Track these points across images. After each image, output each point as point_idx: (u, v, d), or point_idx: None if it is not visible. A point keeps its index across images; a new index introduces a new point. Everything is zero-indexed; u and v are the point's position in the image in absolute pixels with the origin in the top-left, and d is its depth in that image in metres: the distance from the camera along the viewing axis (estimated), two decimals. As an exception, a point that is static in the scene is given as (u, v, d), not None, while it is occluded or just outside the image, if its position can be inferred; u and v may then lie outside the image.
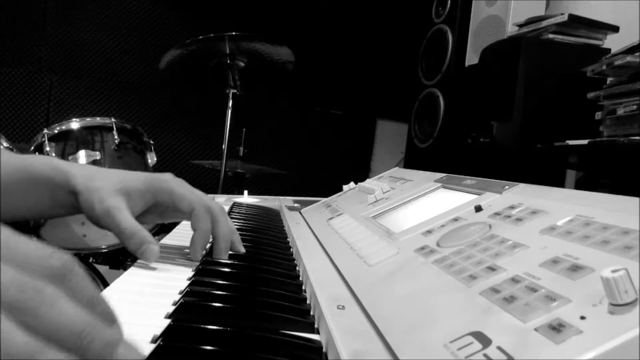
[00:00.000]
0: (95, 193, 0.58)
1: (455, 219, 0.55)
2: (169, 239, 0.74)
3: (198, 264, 0.59)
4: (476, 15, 2.42)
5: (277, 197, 1.32)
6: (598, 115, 1.58)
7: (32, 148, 1.73)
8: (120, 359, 0.28)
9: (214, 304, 0.44)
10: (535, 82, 1.82)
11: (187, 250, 0.63)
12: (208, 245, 0.64)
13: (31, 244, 0.30)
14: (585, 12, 1.92)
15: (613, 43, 1.86)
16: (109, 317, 0.31)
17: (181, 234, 0.78)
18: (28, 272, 0.28)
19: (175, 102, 3.26)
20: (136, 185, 0.61)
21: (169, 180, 0.63)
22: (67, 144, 1.70)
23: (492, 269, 0.38)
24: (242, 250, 0.65)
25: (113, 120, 1.76)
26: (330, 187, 1.24)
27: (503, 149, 1.85)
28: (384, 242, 0.58)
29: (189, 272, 0.56)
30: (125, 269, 0.60)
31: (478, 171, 0.84)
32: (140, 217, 0.62)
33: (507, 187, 0.58)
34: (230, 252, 0.63)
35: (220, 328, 0.38)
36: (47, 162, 0.61)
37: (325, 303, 0.43)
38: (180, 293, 0.48)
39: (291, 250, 0.74)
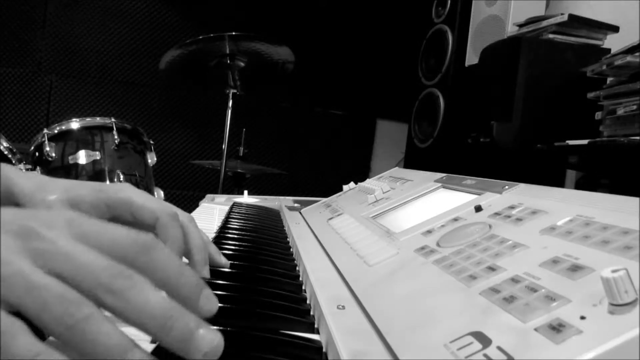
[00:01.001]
0: (42, 206, 0.51)
1: (455, 219, 0.55)
2: None
3: None
4: (476, 15, 2.42)
5: (277, 197, 1.32)
6: (598, 115, 1.58)
7: (32, 148, 1.73)
8: (200, 341, 0.30)
9: (214, 304, 0.44)
10: (535, 82, 1.82)
11: None
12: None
13: (117, 228, 0.33)
14: (585, 12, 1.92)
15: (613, 43, 1.86)
16: (199, 284, 0.33)
17: None
18: (118, 254, 0.31)
19: (175, 102, 3.26)
20: (87, 195, 0.53)
21: (126, 190, 0.55)
22: (67, 144, 1.70)
23: (492, 269, 0.39)
24: (223, 260, 0.58)
25: (113, 120, 1.76)
26: (330, 187, 1.24)
27: (503, 149, 1.85)
28: (384, 242, 0.58)
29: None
30: None
31: (478, 171, 0.84)
32: None
33: (507, 187, 0.58)
34: (227, 257, 0.58)
35: (220, 328, 0.38)
36: None
37: (325, 303, 0.43)
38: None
39: (291, 250, 0.74)
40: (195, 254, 0.54)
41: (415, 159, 2.78)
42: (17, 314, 0.27)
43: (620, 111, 1.49)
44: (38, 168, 1.68)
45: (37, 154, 1.71)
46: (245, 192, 1.32)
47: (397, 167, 1.08)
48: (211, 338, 0.31)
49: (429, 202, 0.71)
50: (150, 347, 0.35)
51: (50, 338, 0.29)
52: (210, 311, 0.33)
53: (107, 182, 1.68)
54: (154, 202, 0.54)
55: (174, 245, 0.52)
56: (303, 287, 0.55)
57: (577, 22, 1.86)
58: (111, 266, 0.30)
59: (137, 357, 0.28)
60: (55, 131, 1.71)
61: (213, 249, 0.58)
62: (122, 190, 0.54)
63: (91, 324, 0.27)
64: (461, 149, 2.14)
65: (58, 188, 0.52)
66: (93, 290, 0.29)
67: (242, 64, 2.17)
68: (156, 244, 0.33)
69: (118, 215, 0.53)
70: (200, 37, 2.00)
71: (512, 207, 0.50)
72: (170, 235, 0.52)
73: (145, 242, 0.33)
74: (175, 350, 0.30)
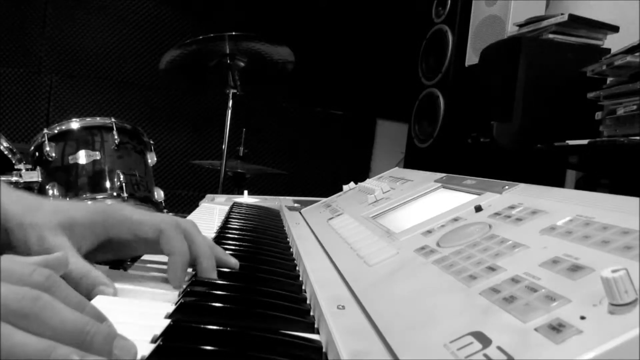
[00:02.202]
0: (31, 231, 0.48)
1: (455, 219, 0.55)
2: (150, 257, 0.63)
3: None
4: (476, 15, 2.42)
5: (277, 197, 1.32)
6: (598, 115, 1.58)
7: (32, 148, 1.73)
8: (120, 350, 0.32)
9: (214, 303, 0.44)
10: (535, 82, 1.82)
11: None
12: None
13: (17, 265, 0.34)
14: (585, 12, 1.92)
15: (613, 43, 1.86)
16: (98, 317, 0.35)
17: None
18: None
19: (175, 102, 3.26)
20: (81, 218, 0.51)
21: (123, 209, 0.54)
22: (67, 144, 1.70)
23: (492, 269, 0.38)
24: (232, 261, 0.56)
25: (113, 120, 1.76)
26: (330, 187, 1.24)
27: (503, 149, 1.85)
28: (384, 242, 0.58)
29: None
30: (125, 269, 0.58)
31: (478, 171, 0.84)
32: (92, 255, 0.53)
33: (507, 187, 0.58)
34: (230, 260, 0.57)
35: (220, 328, 0.38)
36: None
37: (325, 303, 0.43)
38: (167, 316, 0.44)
39: (291, 250, 0.74)
40: (202, 262, 0.53)
41: (415, 159, 2.78)
42: None
43: (620, 111, 1.49)
44: (38, 168, 1.68)
45: (37, 154, 1.71)
46: (245, 192, 1.32)
47: (397, 167, 1.08)
48: (129, 346, 0.33)
49: (429, 202, 0.71)
50: (150, 347, 0.35)
51: None
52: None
53: (107, 182, 1.68)
54: (154, 217, 0.53)
55: (179, 257, 0.52)
56: (303, 287, 0.55)
57: (577, 22, 1.86)
58: (14, 290, 0.31)
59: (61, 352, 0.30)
60: (55, 131, 1.70)
61: (220, 251, 0.57)
62: (119, 211, 0.53)
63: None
64: (461, 149, 2.14)
65: (48, 212, 0.50)
66: (8, 319, 0.30)
67: (242, 64, 2.17)
68: (54, 279, 0.34)
69: (116, 235, 0.53)
70: (200, 37, 2.00)
71: (512, 207, 0.50)
72: (174, 248, 0.52)
73: (44, 277, 0.34)
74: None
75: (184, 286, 0.50)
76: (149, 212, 0.55)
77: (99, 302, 0.44)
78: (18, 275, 0.33)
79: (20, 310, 0.30)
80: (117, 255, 0.57)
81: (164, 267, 0.58)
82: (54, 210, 0.51)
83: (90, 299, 0.46)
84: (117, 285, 0.49)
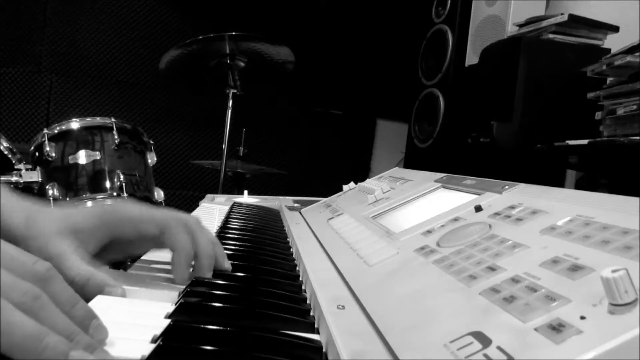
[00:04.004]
0: (33, 242, 0.48)
1: (455, 219, 0.55)
2: (150, 257, 0.63)
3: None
4: (476, 15, 2.42)
5: (277, 197, 1.32)
6: (598, 115, 1.58)
7: (32, 148, 1.73)
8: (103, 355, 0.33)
9: (214, 303, 0.44)
10: (535, 82, 1.82)
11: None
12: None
13: (21, 254, 0.35)
14: (585, 12, 1.92)
15: (613, 43, 1.86)
16: (88, 314, 0.36)
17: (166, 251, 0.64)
18: (18, 275, 0.33)
19: (175, 102, 3.25)
20: (84, 223, 0.52)
21: (125, 207, 0.54)
22: (67, 144, 1.70)
23: (492, 269, 0.39)
24: (227, 266, 0.56)
25: (113, 120, 1.76)
26: (330, 187, 1.24)
27: (503, 149, 1.85)
28: (384, 242, 0.58)
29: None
30: (125, 269, 0.58)
31: (478, 171, 0.84)
32: (99, 256, 0.53)
33: (507, 187, 0.58)
34: (229, 260, 0.57)
35: (220, 328, 0.38)
36: None
37: (325, 303, 0.43)
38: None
39: (291, 250, 0.74)
40: (202, 259, 0.53)
41: (415, 159, 2.78)
42: None
43: (620, 111, 1.49)
44: (38, 168, 1.68)
45: (37, 154, 1.71)
46: (245, 192, 1.32)
47: (397, 167, 1.08)
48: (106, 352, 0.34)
49: (429, 202, 0.71)
50: (150, 347, 0.35)
51: None
52: (101, 340, 0.35)
53: (107, 182, 1.68)
54: (157, 213, 0.53)
55: (183, 252, 0.52)
56: (303, 287, 0.55)
57: (577, 22, 1.86)
58: (19, 284, 0.32)
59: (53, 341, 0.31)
60: (55, 131, 1.70)
61: (220, 251, 0.57)
62: (121, 210, 0.53)
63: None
64: (461, 149, 2.14)
65: (50, 220, 0.50)
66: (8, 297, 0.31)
67: (242, 64, 2.17)
68: (53, 272, 0.35)
69: (120, 235, 0.53)
70: (200, 37, 2.00)
71: (512, 207, 0.50)
72: (178, 243, 0.52)
73: (45, 268, 0.35)
74: None
75: (184, 286, 0.50)
76: (152, 208, 0.54)
77: (100, 303, 0.44)
78: (21, 262, 0.34)
79: (20, 305, 0.32)
80: (123, 254, 0.57)
81: (164, 267, 0.58)
82: (56, 217, 0.51)
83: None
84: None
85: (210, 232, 0.57)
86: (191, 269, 0.54)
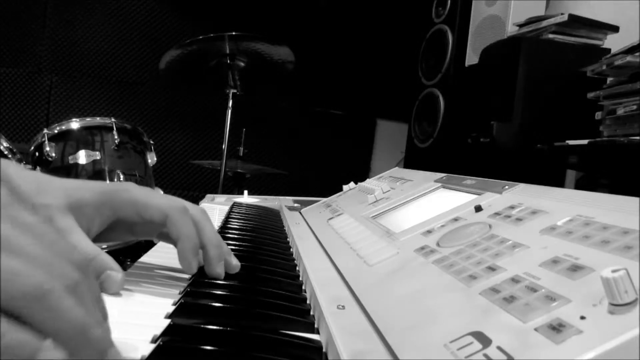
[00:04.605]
0: (42, 211, 0.46)
1: (455, 219, 0.55)
2: (150, 257, 0.62)
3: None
4: (476, 15, 2.42)
5: (277, 197, 1.32)
6: (598, 115, 1.58)
7: (32, 148, 1.73)
8: (115, 355, 0.30)
9: (214, 303, 0.44)
10: (535, 82, 1.82)
11: (178, 275, 0.54)
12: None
13: (60, 238, 0.31)
14: (585, 12, 1.92)
15: (613, 43, 1.86)
16: (104, 316, 0.33)
17: (164, 252, 0.63)
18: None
19: (175, 102, 3.26)
20: (90, 198, 0.50)
21: (130, 190, 0.52)
22: (67, 144, 1.70)
23: (492, 269, 0.38)
24: (234, 262, 0.54)
25: (113, 120, 1.76)
26: (330, 187, 1.24)
27: (503, 149, 1.85)
28: (384, 242, 0.58)
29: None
30: (125, 269, 0.57)
31: (478, 171, 0.84)
32: (102, 236, 0.52)
33: (507, 187, 0.58)
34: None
35: (220, 328, 0.38)
36: None
37: (325, 303, 0.43)
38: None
39: (291, 250, 0.74)
40: (209, 250, 0.51)
41: (415, 159, 2.78)
42: None
43: (620, 111, 1.49)
44: (38, 168, 1.68)
45: (37, 154, 1.71)
46: (245, 192, 1.32)
47: (397, 167, 1.08)
48: (118, 352, 0.32)
49: (429, 202, 0.71)
50: (150, 347, 0.35)
51: None
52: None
53: (107, 182, 1.68)
54: (162, 199, 0.52)
55: (187, 241, 0.50)
56: (303, 287, 0.55)
57: (577, 22, 1.86)
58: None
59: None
60: (55, 131, 1.71)
61: (226, 248, 0.55)
62: (126, 191, 0.51)
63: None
64: (461, 149, 2.14)
65: (59, 191, 0.48)
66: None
67: (242, 64, 2.17)
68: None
69: (124, 217, 0.51)
70: (200, 37, 2.00)
71: (512, 207, 0.50)
72: (181, 232, 0.50)
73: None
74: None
75: (184, 286, 0.50)
76: (157, 194, 0.53)
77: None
78: (61, 247, 0.31)
79: (68, 289, 0.28)
80: (125, 237, 0.55)
81: (164, 266, 0.58)
82: (64, 189, 0.49)
83: (98, 282, 0.44)
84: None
85: (214, 228, 0.55)
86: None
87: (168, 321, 0.39)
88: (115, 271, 0.45)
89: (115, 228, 0.52)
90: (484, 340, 0.29)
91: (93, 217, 0.50)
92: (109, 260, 0.45)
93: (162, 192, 1.87)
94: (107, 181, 1.68)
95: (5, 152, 1.67)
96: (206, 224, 0.53)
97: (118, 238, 0.54)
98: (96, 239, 0.50)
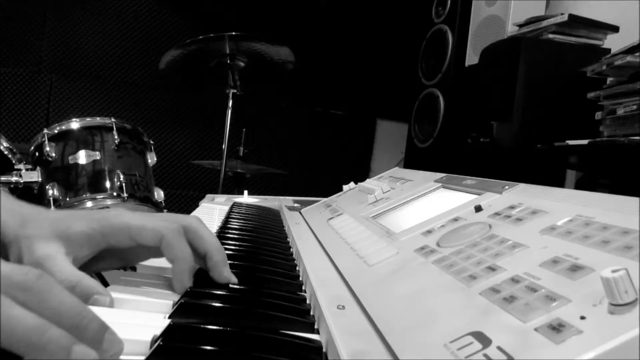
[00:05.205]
0: (24, 242, 0.47)
1: (455, 219, 0.55)
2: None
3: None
4: (476, 15, 2.42)
5: (277, 197, 1.32)
6: (598, 115, 1.58)
7: (32, 148, 1.73)
8: (109, 343, 0.33)
9: (213, 303, 0.44)
10: (535, 82, 1.82)
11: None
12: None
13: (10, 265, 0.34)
14: (585, 12, 1.92)
15: (613, 43, 1.86)
16: (101, 329, 0.35)
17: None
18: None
19: (175, 102, 3.26)
20: (79, 227, 0.49)
21: (122, 215, 0.51)
22: (67, 144, 1.70)
23: (492, 269, 0.38)
24: (233, 279, 0.52)
25: (113, 120, 1.76)
26: (330, 187, 1.24)
27: (503, 149, 1.85)
28: (384, 242, 0.58)
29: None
30: (124, 269, 0.57)
31: (478, 171, 0.84)
32: (94, 264, 0.51)
33: (507, 187, 0.58)
34: (227, 257, 0.54)
35: (220, 328, 0.38)
36: None
37: (325, 303, 0.43)
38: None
39: (291, 250, 0.74)
40: (214, 254, 0.51)
41: (415, 159, 2.78)
42: None
43: (620, 111, 1.49)
44: (38, 168, 1.68)
45: (37, 154, 1.71)
46: (245, 192, 1.32)
47: (397, 167, 1.08)
48: (118, 341, 0.34)
49: (429, 202, 0.71)
50: (150, 347, 0.35)
51: None
52: (115, 354, 0.34)
53: (107, 182, 1.68)
54: (156, 221, 0.51)
55: (183, 263, 0.50)
56: (303, 287, 0.55)
57: (577, 22, 1.86)
58: (18, 266, 0.32)
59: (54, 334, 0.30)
60: (55, 131, 1.70)
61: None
62: (117, 216, 0.51)
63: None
64: (461, 149, 2.14)
65: (44, 222, 0.49)
66: (10, 292, 0.31)
67: (242, 64, 2.17)
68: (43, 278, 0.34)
69: (115, 243, 0.50)
70: (200, 37, 2.00)
71: (512, 207, 0.50)
72: (177, 254, 0.50)
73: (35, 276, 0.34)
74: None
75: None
76: (150, 216, 0.52)
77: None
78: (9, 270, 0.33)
79: (23, 283, 0.31)
80: (121, 263, 0.55)
81: (165, 267, 0.57)
82: (50, 219, 0.49)
83: None
84: (117, 285, 0.49)
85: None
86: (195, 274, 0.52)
87: (168, 321, 0.39)
88: (101, 295, 0.44)
89: (109, 256, 0.52)
90: (484, 340, 0.29)
91: (81, 245, 0.49)
92: (94, 285, 0.45)
93: (162, 193, 1.88)
94: (107, 182, 1.68)
95: (5, 152, 1.67)
96: (205, 231, 0.53)
97: (112, 265, 0.54)
98: (88, 268, 0.50)
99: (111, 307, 0.45)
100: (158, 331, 0.37)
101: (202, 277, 0.52)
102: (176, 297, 0.47)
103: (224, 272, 0.51)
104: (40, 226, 0.48)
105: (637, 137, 1.38)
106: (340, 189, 1.08)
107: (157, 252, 0.51)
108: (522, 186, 0.57)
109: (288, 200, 1.23)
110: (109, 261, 0.53)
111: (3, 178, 1.61)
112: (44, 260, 0.45)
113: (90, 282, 0.45)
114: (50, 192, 1.63)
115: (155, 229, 0.50)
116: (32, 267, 0.33)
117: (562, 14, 1.86)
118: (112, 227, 0.50)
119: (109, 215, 0.51)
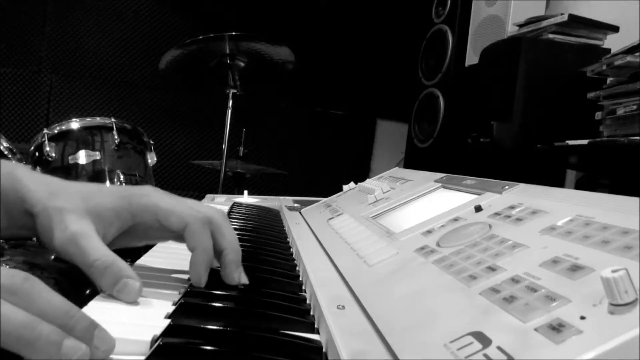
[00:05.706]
0: (56, 216, 0.45)
1: (455, 219, 0.55)
2: (150, 257, 0.61)
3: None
4: (476, 15, 2.42)
5: (277, 197, 1.32)
6: (598, 115, 1.58)
7: (32, 148, 1.73)
8: (99, 340, 0.33)
9: (214, 303, 0.44)
10: (535, 82, 1.82)
11: (178, 276, 0.53)
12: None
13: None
14: (585, 12, 1.92)
15: (613, 43, 1.86)
16: (91, 326, 0.35)
17: (164, 252, 0.63)
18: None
19: (175, 102, 3.26)
20: (109, 203, 0.48)
21: (151, 195, 0.50)
22: (67, 144, 1.70)
23: (492, 269, 0.38)
24: (238, 277, 0.51)
25: (113, 120, 1.76)
26: (330, 187, 1.24)
27: (503, 149, 1.85)
28: (384, 242, 0.58)
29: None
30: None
31: (478, 171, 0.84)
32: (117, 241, 0.51)
33: (507, 187, 0.58)
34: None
35: (220, 328, 0.38)
36: (4, 173, 0.47)
37: (325, 303, 0.43)
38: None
39: (291, 250, 0.74)
40: (229, 253, 0.50)
41: (415, 159, 2.78)
42: None
43: (620, 111, 1.49)
44: (38, 168, 1.68)
45: (37, 154, 1.71)
46: (245, 192, 1.31)
47: (397, 167, 1.08)
48: (109, 338, 0.34)
49: (429, 202, 0.71)
50: (150, 347, 0.35)
51: None
52: (107, 351, 0.34)
53: (107, 182, 1.68)
54: (182, 207, 0.50)
55: (203, 254, 0.49)
56: (303, 287, 0.55)
57: (577, 22, 1.86)
58: (6, 269, 0.33)
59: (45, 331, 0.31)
60: (55, 131, 1.70)
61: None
62: (147, 196, 0.50)
63: None
64: (461, 149, 2.14)
65: (75, 196, 0.48)
66: None
67: (242, 64, 2.17)
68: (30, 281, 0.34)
69: (142, 222, 0.50)
70: (200, 37, 2.00)
71: (512, 207, 0.50)
72: (198, 244, 0.49)
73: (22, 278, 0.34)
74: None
75: (184, 286, 0.50)
76: (178, 200, 0.51)
77: (98, 302, 0.44)
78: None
79: (10, 286, 0.31)
80: (141, 241, 0.55)
81: (165, 267, 0.58)
82: (80, 193, 0.48)
83: (114, 295, 0.44)
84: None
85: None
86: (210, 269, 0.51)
87: (168, 321, 0.39)
88: (132, 279, 0.43)
89: (132, 233, 0.51)
90: (484, 340, 0.29)
91: (111, 222, 0.49)
92: (126, 268, 0.44)
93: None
94: (107, 182, 1.68)
95: (5, 152, 1.67)
96: (228, 228, 0.52)
97: (133, 242, 0.53)
98: (111, 244, 0.49)
99: (140, 293, 0.44)
100: (158, 331, 0.37)
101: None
102: (176, 297, 0.47)
103: (234, 274, 0.50)
104: (72, 200, 0.47)
105: (637, 137, 1.38)
106: (340, 189, 1.08)
107: (178, 236, 0.51)
108: (522, 186, 0.57)
109: (288, 200, 1.23)
110: (129, 238, 0.52)
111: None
112: (78, 237, 0.45)
113: (123, 265, 0.44)
114: (50, 192, 1.63)
115: (182, 215, 0.49)
116: (18, 271, 0.33)
117: (562, 14, 1.86)
118: (141, 206, 0.50)
119: (140, 193, 0.51)
